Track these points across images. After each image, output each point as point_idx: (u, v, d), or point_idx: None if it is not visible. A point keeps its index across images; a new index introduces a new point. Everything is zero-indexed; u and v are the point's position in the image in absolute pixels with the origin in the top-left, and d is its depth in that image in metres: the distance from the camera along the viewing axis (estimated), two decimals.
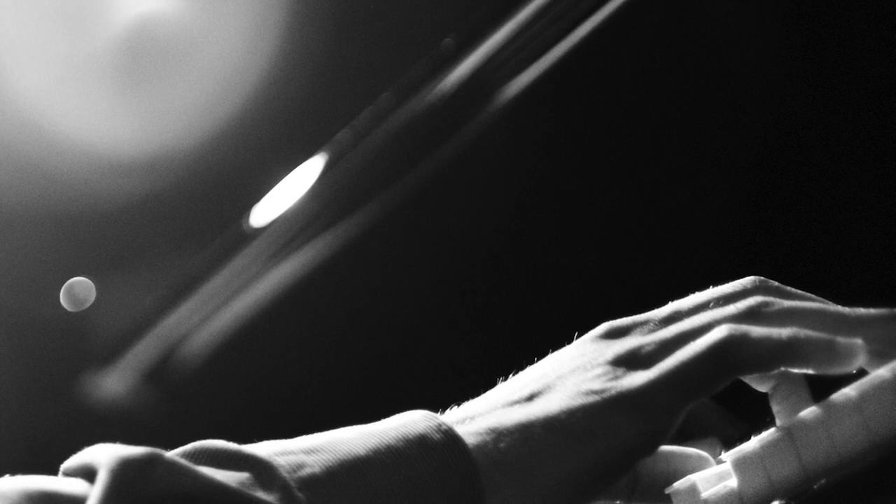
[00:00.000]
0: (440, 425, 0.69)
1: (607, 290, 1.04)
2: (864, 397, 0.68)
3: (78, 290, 1.18)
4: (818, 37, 0.97)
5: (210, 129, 1.16)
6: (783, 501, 0.68)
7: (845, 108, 0.96)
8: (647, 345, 0.72)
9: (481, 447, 0.69)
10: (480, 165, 1.08)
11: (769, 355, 0.70)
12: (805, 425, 0.69)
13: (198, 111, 1.16)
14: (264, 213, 1.12)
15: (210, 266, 1.14)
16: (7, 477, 0.64)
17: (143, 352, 1.17)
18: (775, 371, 0.72)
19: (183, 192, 1.18)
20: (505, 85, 1.05)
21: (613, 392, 0.70)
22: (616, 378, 0.71)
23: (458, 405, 0.73)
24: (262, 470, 0.66)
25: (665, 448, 0.77)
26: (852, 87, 0.96)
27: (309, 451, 0.67)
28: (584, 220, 1.06)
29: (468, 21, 1.06)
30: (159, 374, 1.16)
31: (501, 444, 0.69)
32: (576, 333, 0.76)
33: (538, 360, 0.75)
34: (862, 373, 0.71)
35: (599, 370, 0.72)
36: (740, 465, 0.70)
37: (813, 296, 0.75)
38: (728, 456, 0.71)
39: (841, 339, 0.70)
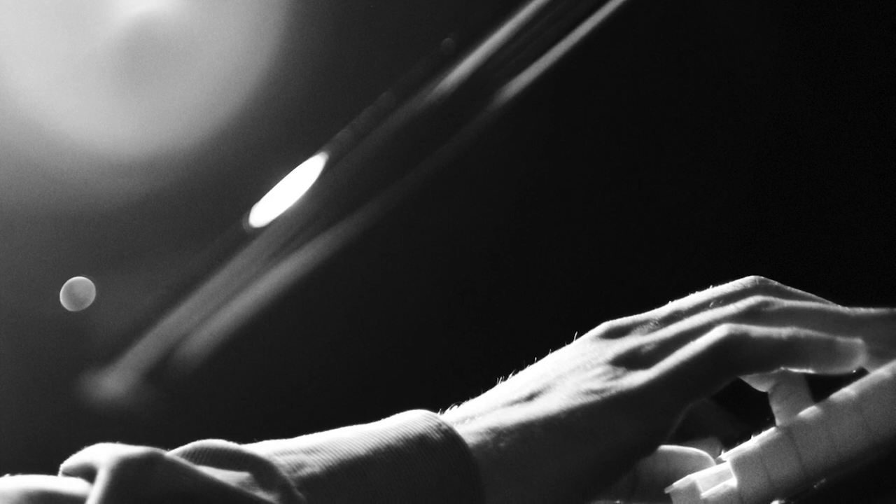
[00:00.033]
0: (440, 425, 0.69)
1: (607, 290, 1.04)
2: (864, 397, 0.68)
3: (78, 290, 1.18)
4: (818, 37, 0.97)
5: (210, 129, 1.16)
6: (783, 501, 0.68)
7: (845, 108, 0.96)
8: (647, 344, 0.73)
9: (481, 447, 0.69)
10: (480, 165, 1.08)
11: (769, 355, 0.70)
12: (805, 425, 0.69)
13: (198, 111, 1.16)
14: (264, 212, 1.12)
15: (210, 266, 1.14)
16: (7, 477, 0.64)
17: (143, 352, 1.17)
18: (775, 371, 0.72)
19: (183, 192, 1.18)
20: (505, 85, 1.05)
21: (613, 392, 0.70)
22: (616, 378, 0.71)
23: (458, 405, 0.73)
24: (262, 469, 0.66)
25: (665, 448, 0.77)
26: (852, 87, 0.96)
27: (309, 451, 0.67)
28: (583, 220, 1.06)
29: (468, 21, 1.06)
30: (159, 373, 1.16)
31: (501, 444, 0.69)
32: (576, 333, 0.76)
33: (538, 360, 0.75)
34: (862, 373, 0.71)
35: (599, 370, 0.72)
36: (740, 464, 0.70)
37: (813, 296, 0.75)
38: (728, 456, 0.71)
39: (841, 339, 0.70)
